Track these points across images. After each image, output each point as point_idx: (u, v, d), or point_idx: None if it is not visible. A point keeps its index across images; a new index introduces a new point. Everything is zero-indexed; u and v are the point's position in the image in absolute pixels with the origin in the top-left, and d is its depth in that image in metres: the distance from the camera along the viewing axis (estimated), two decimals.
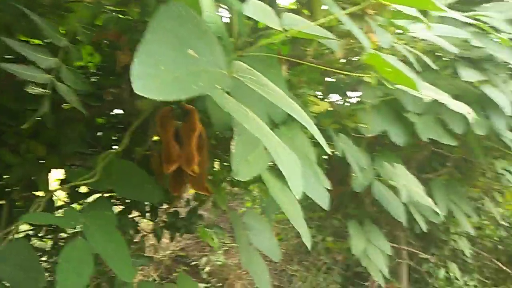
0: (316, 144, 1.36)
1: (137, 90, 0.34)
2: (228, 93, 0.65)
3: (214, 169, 1.31)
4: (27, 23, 0.64)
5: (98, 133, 1.27)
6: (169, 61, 0.38)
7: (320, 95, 1.65)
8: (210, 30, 0.47)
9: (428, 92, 0.87)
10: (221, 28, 0.71)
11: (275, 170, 1.01)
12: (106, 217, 0.73)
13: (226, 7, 0.85)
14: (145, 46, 0.37)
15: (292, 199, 0.75)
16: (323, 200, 0.81)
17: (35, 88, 0.60)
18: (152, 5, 0.66)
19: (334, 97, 1.76)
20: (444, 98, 0.88)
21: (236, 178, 0.68)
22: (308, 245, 0.69)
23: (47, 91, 0.61)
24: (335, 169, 1.88)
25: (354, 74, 0.91)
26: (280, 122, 0.93)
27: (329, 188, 0.94)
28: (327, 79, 1.52)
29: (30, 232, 1.27)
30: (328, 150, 0.49)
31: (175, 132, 0.73)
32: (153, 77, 0.36)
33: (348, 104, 1.64)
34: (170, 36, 0.40)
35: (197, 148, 0.71)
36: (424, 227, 1.51)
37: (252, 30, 0.99)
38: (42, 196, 0.86)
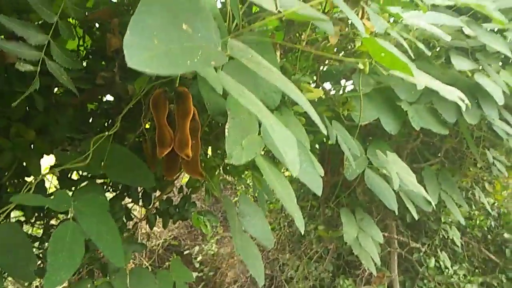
0: (309, 132, 1.36)
1: (130, 62, 0.33)
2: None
3: (208, 156, 1.30)
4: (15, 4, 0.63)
5: (90, 119, 1.25)
6: (162, 34, 0.38)
7: (314, 83, 1.65)
8: (205, 6, 0.46)
9: (421, 78, 0.87)
10: (215, 9, 0.70)
11: (268, 156, 1.01)
12: (98, 201, 0.73)
13: None
14: (138, 17, 0.36)
15: (285, 184, 0.75)
16: (317, 186, 0.81)
17: (25, 65, 0.59)
18: None
19: (328, 86, 1.77)
20: (437, 84, 0.88)
21: (230, 162, 0.67)
22: (302, 229, 0.69)
23: (37, 68, 0.60)
24: (327, 158, 1.89)
25: (348, 59, 0.91)
26: (274, 108, 0.93)
27: (322, 174, 0.94)
28: (320, 67, 1.51)
29: (22, 219, 1.26)
30: (325, 131, 0.49)
31: (168, 115, 0.72)
32: (147, 49, 0.35)
33: (341, 92, 1.64)
34: (164, 9, 0.39)
35: (190, 132, 0.70)
36: (415, 215, 1.52)
37: (246, 14, 0.98)
38: (33, 180, 0.85)
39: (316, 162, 0.97)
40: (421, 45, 0.97)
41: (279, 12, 0.70)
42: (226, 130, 0.70)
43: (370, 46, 0.79)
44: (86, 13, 0.91)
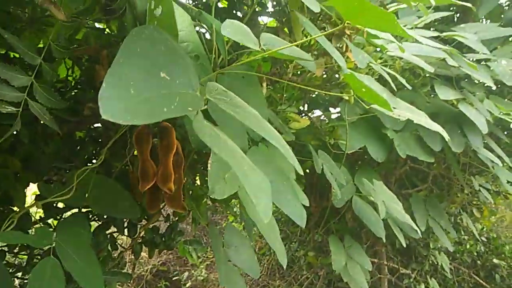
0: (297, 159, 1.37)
1: (104, 114, 0.34)
2: (206, 110, 0.65)
3: (195, 184, 1.30)
4: (3, 39, 0.64)
5: (77, 147, 1.25)
6: (139, 83, 0.39)
7: (302, 110, 1.68)
8: (183, 51, 0.47)
9: (402, 112, 0.89)
10: (199, 46, 0.72)
11: None
12: (79, 235, 0.72)
13: (205, 26, 0.86)
14: (115, 69, 0.37)
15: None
16: (300, 217, 0.82)
17: (7, 107, 0.59)
18: (129, 22, 0.66)
19: (318, 112, 1.79)
20: (419, 118, 0.90)
21: (212, 197, 0.68)
22: (284, 264, 0.69)
23: (19, 109, 0.61)
24: (317, 183, 1.90)
25: (332, 93, 0.93)
26: (259, 139, 0.94)
27: (306, 205, 0.94)
28: (307, 96, 1.54)
29: (5, 248, 1.24)
30: (301, 171, 0.50)
31: (151, 149, 0.73)
32: (122, 100, 0.36)
33: (328, 120, 1.66)
34: (141, 58, 0.40)
35: (173, 166, 0.71)
36: (403, 242, 1.52)
37: (232, 46, 1.00)
38: (16, 212, 0.84)
39: (300, 192, 0.98)
40: (402, 80, 1.00)
41: (263, 50, 0.72)
42: (209, 165, 0.71)
43: (351, 82, 0.81)
44: (75, 47, 0.92)
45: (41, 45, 1.08)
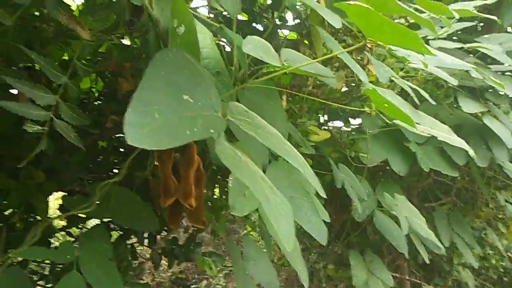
0: (317, 174, 1.36)
1: (130, 141, 0.34)
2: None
3: (214, 196, 1.31)
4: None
5: (100, 157, 1.28)
6: (163, 108, 0.39)
7: (323, 121, 1.66)
8: (205, 72, 0.48)
9: (425, 128, 0.87)
10: (220, 63, 0.72)
11: None
12: (101, 249, 0.73)
13: (226, 41, 0.87)
14: (140, 94, 0.38)
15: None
16: (320, 234, 0.81)
17: (33, 126, 0.61)
18: (152, 39, 0.67)
19: (339, 123, 1.77)
20: (443, 134, 0.88)
21: (232, 213, 0.68)
22: (306, 285, 0.68)
23: (45, 128, 0.62)
24: (337, 194, 1.87)
25: (353, 108, 0.92)
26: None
27: (327, 220, 0.93)
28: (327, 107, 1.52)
29: None
30: (323, 194, 0.49)
31: (173, 164, 0.73)
32: (146, 125, 0.36)
33: (350, 130, 1.64)
34: (165, 82, 0.41)
35: (194, 181, 0.71)
36: (426, 258, 1.49)
37: (253, 60, 1.00)
38: (39, 222, 0.86)
39: (320, 207, 0.96)
40: (425, 94, 0.98)
41: (284, 66, 0.72)
42: (230, 181, 0.71)
43: (373, 97, 0.80)
44: (98, 59, 0.94)
45: (66, 57, 1.11)
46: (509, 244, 2.31)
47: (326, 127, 1.64)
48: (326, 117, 1.72)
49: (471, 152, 0.89)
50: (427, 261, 1.49)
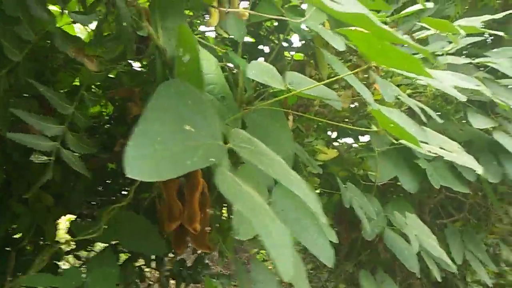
0: (324, 194, 1.34)
1: (129, 174, 0.34)
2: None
3: (222, 216, 1.30)
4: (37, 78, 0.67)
5: (108, 180, 1.29)
6: (164, 138, 0.39)
7: (329, 139, 1.66)
8: (208, 100, 0.48)
9: (433, 147, 0.86)
10: (225, 88, 0.73)
11: None
12: (108, 275, 0.73)
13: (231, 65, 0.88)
14: (142, 127, 0.38)
15: (296, 259, 0.74)
16: (327, 257, 0.79)
17: (40, 156, 0.62)
18: (159, 67, 0.68)
19: (349, 140, 1.76)
20: (451, 154, 0.87)
21: (237, 238, 0.67)
22: None
23: (51, 158, 0.63)
24: (346, 212, 1.85)
25: (359, 128, 0.91)
26: None
27: (334, 241, 0.92)
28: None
29: None
30: (324, 221, 0.49)
31: (178, 189, 0.73)
32: (147, 158, 0.36)
33: (357, 147, 1.63)
34: (168, 113, 0.41)
35: (199, 205, 0.71)
36: (438, 277, 1.45)
37: (259, 82, 1.01)
38: (48, 247, 0.87)
39: (327, 228, 0.95)
40: (432, 113, 0.97)
41: (289, 90, 0.73)
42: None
43: (379, 118, 0.80)
44: (108, 85, 0.96)
45: (76, 83, 1.13)
46: None
47: (336, 143, 1.63)
48: (335, 134, 1.72)
49: (480, 171, 0.88)
50: (439, 280, 1.45)
